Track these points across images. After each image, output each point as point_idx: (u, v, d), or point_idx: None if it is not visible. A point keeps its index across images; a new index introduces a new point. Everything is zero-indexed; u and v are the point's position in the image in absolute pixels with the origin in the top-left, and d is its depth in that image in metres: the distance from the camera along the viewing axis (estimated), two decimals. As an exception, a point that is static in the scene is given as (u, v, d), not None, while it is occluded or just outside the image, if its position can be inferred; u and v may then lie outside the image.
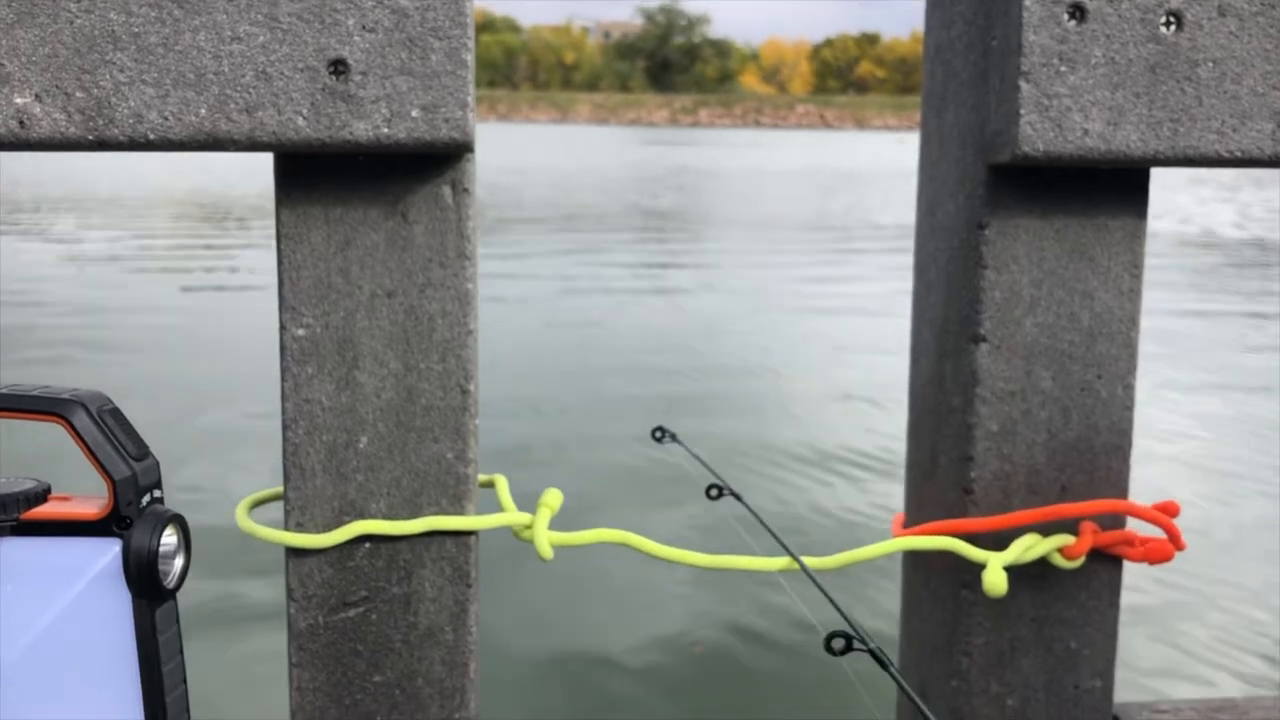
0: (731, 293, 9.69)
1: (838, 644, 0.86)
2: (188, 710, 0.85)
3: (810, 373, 6.80)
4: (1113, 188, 1.08)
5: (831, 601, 0.97)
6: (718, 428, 5.33)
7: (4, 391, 0.81)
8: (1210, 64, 1.01)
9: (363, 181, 0.99)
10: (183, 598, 0.84)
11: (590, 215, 16.11)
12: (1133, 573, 1.18)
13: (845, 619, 0.91)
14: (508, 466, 1.19)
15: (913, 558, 1.25)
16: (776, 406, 5.95)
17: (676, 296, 9.42)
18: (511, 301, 8.65)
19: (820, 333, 8.03)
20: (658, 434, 1.43)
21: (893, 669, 0.85)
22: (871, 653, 0.86)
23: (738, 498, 1.24)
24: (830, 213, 17.59)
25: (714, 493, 1.26)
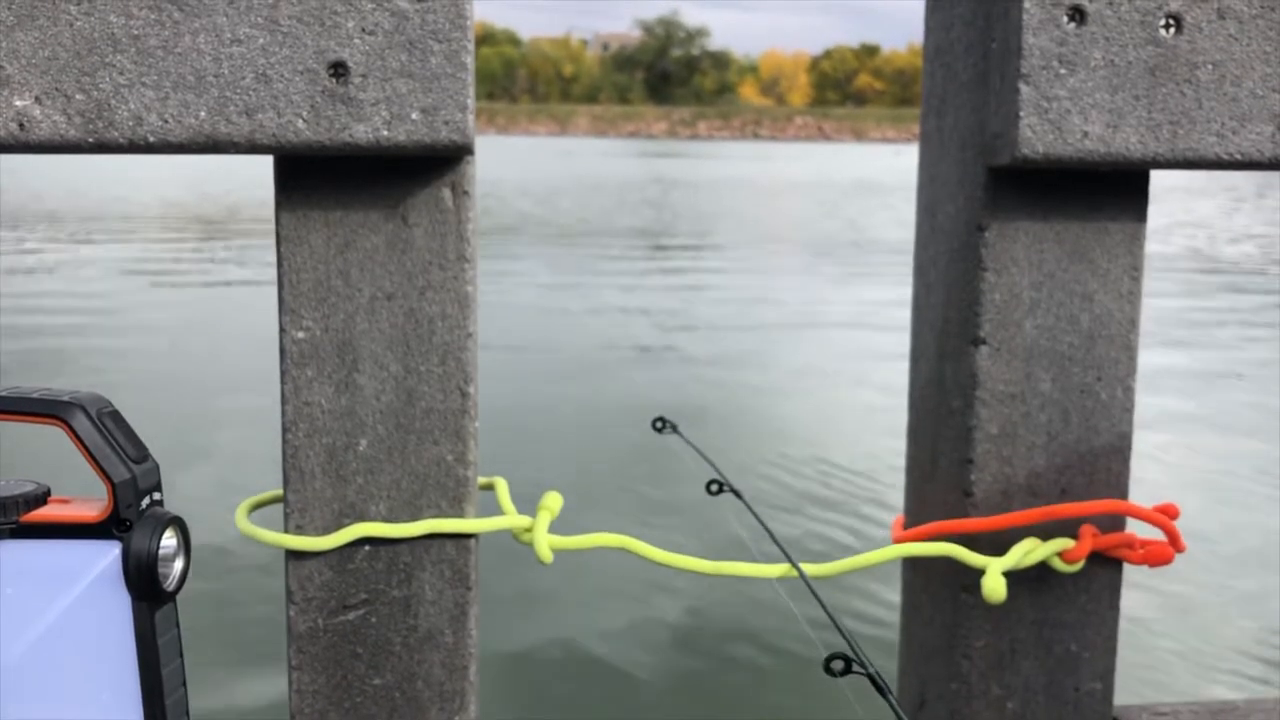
0: (725, 302, 9.71)
1: (837, 665, 0.86)
2: (187, 713, 0.85)
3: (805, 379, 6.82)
4: (1112, 190, 1.08)
5: (831, 618, 0.97)
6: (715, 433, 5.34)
7: (4, 394, 0.81)
8: (1210, 66, 1.01)
9: (362, 184, 0.99)
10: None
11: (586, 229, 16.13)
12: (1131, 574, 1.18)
13: (845, 637, 0.90)
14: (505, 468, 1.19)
15: (912, 561, 1.25)
16: (775, 414, 5.95)
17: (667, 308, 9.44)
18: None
19: (818, 342, 8.05)
20: (658, 425, 1.41)
21: (890, 697, 0.84)
22: (870, 677, 0.85)
23: (737, 494, 1.24)
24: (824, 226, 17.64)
25: (714, 488, 1.25)
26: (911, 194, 1.32)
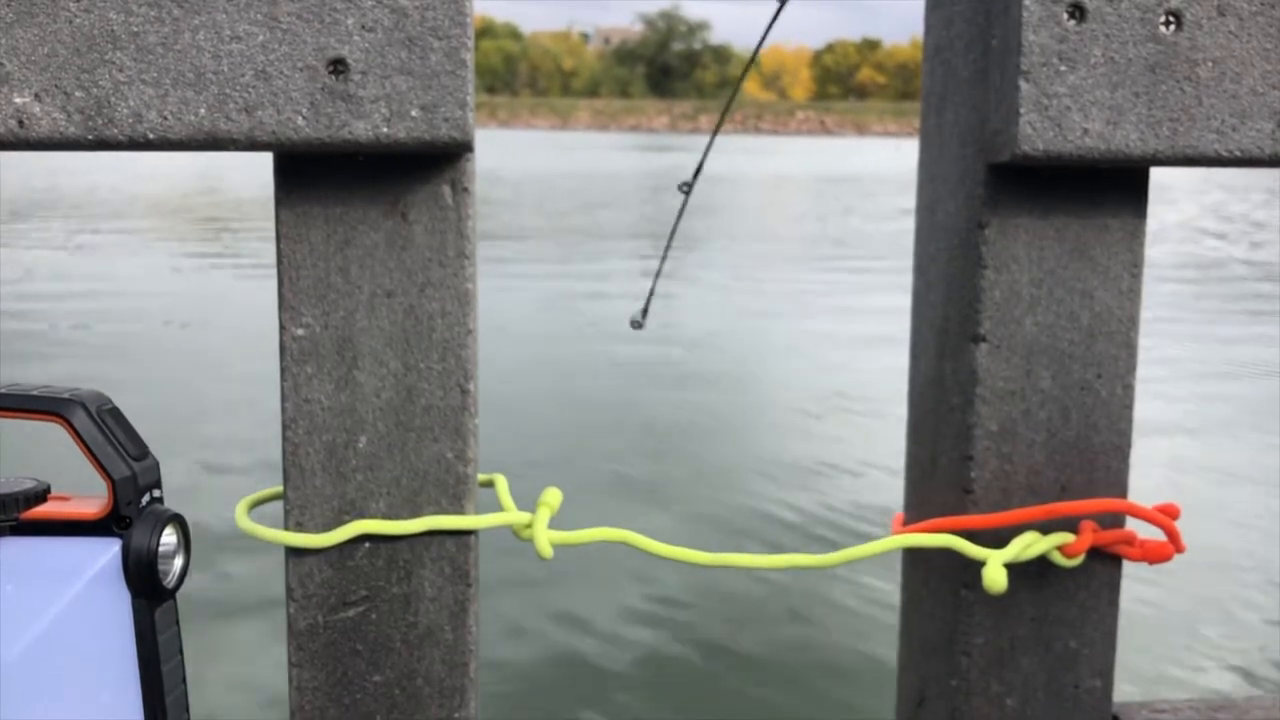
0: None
1: None
2: (187, 710, 0.85)
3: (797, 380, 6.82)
4: (1112, 187, 1.08)
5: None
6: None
7: (3, 391, 0.81)
8: (1210, 63, 1.01)
9: (362, 181, 0.99)
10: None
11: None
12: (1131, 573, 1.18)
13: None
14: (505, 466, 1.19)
15: (912, 556, 1.25)
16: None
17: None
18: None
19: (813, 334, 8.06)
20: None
21: None
22: None
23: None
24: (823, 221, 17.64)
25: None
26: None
